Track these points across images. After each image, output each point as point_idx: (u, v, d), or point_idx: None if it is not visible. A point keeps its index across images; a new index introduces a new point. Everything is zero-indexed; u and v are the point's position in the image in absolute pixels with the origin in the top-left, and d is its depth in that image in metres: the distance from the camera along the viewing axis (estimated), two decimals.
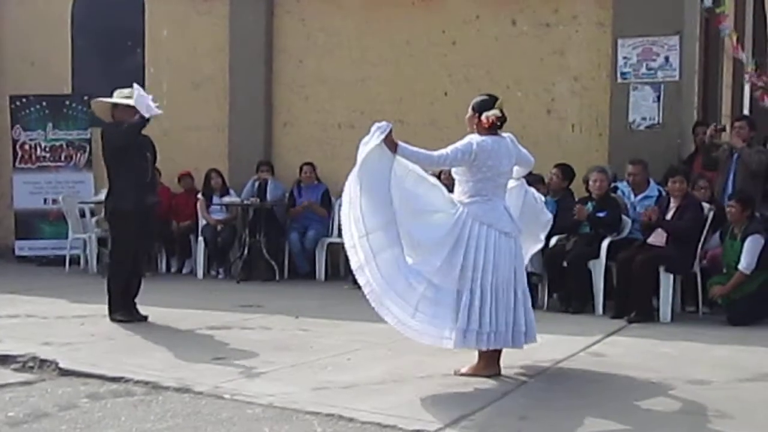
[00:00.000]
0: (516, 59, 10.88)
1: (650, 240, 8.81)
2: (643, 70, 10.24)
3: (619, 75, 10.33)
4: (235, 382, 5.77)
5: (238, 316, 8.47)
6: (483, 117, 5.94)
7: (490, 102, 6.02)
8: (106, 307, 8.24)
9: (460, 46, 11.16)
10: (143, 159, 8.14)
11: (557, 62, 10.71)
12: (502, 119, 5.97)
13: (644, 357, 6.79)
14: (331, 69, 11.84)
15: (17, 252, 13.34)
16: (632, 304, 8.48)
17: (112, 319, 8.07)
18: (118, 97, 8.18)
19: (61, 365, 6.25)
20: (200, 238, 11.74)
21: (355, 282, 10.57)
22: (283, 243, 11.55)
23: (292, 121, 12.15)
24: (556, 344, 7.06)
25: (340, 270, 11.52)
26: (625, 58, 10.30)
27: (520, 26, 10.88)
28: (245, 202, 11.42)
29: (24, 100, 13.38)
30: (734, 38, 12.39)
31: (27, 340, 7.11)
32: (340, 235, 11.39)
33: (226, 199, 11.77)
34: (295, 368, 6.24)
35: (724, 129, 9.95)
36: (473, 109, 6.07)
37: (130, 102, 7.94)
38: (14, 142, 13.40)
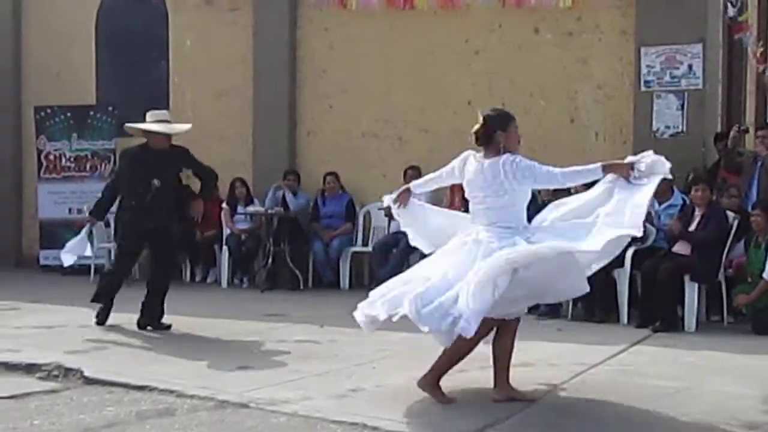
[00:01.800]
0: (539, 68, 10.86)
1: (675, 249, 8.76)
2: (667, 78, 10.20)
3: (642, 83, 10.30)
4: (259, 390, 5.77)
5: (263, 325, 8.49)
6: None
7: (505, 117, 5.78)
8: (131, 316, 8.30)
9: (483, 54, 11.16)
10: (144, 185, 8.15)
11: (580, 70, 10.69)
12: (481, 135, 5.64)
13: (669, 366, 6.76)
14: (354, 78, 11.86)
15: (42, 261, 13.42)
16: (657, 314, 8.43)
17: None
18: (152, 119, 8.33)
19: (86, 374, 6.28)
20: (225, 248, 11.78)
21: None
22: (307, 252, 11.57)
23: (315, 131, 12.18)
24: (580, 353, 7.04)
25: (364, 279, 11.54)
26: (648, 66, 10.27)
27: (543, 34, 10.87)
28: (269, 211, 11.45)
29: (49, 110, 13.48)
30: (758, 51, 12.34)
31: (52, 348, 7.15)
32: (364, 244, 11.54)
33: (251, 209, 11.79)
34: (319, 377, 6.24)
35: (747, 130, 9.90)
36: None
37: (162, 129, 8.17)
38: (39, 152, 13.49)
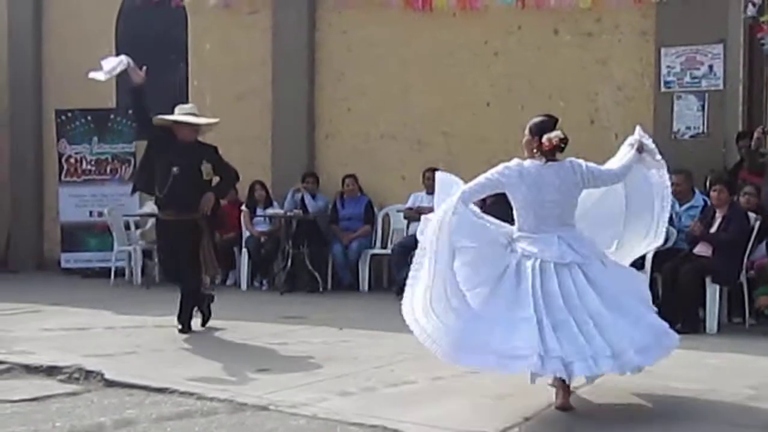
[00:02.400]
0: (558, 69, 10.83)
1: (696, 250, 8.71)
2: (687, 78, 10.15)
3: (662, 84, 10.25)
4: (279, 393, 5.78)
5: (282, 328, 8.50)
6: (544, 139, 5.51)
7: (550, 123, 5.65)
8: (151, 318, 8.33)
9: (502, 56, 11.14)
10: (165, 171, 8.14)
11: (600, 72, 10.65)
12: (565, 141, 5.52)
13: (691, 369, 6.70)
14: (372, 81, 11.86)
15: (63, 264, 13.50)
16: (678, 315, 8.38)
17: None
18: (179, 113, 8.31)
19: (106, 376, 6.31)
20: (244, 250, 11.80)
21: (399, 294, 10.63)
22: (326, 254, 11.58)
23: (334, 133, 12.19)
24: None
25: (383, 281, 11.54)
26: (668, 66, 10.22)
27: (562, 36, 10.84)
28: (289, 213, 11.46)
29: (69, 114, 13.55)
30: None
31: (73, 351, 7.19)
32: (383, 246, 11.54)
33: (270, 211, 11.82)
34: (339, 379, 6.24)
35: None
36: (531, 131, 5.66)
37: (191, 120, 8.19)
38: (60, 155, 13.57)
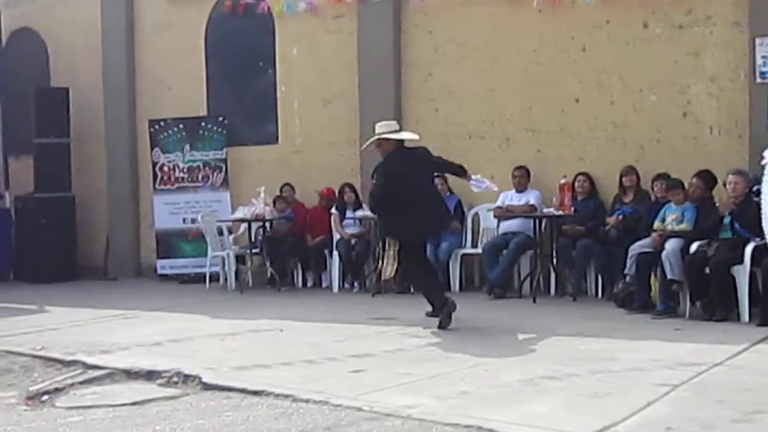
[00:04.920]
0: (649, 63, 10.64)
1: None
2: None
3: (758, 75, 9.98)
4: (373, 394, 5.79)
5: (374, 329, 8.53)
6: None
7: None
8: (245, 322, 8.43)
9: (590, 51, 10.99)
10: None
11: (692, 64, 10.43)
12: None
13: None
14: (459, 80, 11.82)
15: (159, 271, 13.75)
16: None
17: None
18: (381, 129, 8.85)
19: (204, 380, 6.40)
20: (335, 252, 11.87)
21: (490, 293, 10.59)
22: None
23: (422, 133, 12.08)
24: (699, 353, 6.87)
25: (474, 280, 11.49)
26: (763, 57, 9.94)
27: (652, 29, 10.64)
28: None
29: (162, 123, 13.80)
30: None
31: (171, 356, 7.32)
32: (473, 245, 11.48)
33: (360, 213, 11.86)
34: (432, 379, 6.23)
35: None
36: None
37: (393, 136, 8.79)
38: (154, 164, 13.83)
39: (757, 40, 9.95)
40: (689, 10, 10.39)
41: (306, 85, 12.92)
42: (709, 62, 10.35)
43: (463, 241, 11.53)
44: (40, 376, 6.93)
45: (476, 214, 11.61)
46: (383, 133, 8.80)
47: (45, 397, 6.33)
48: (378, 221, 9.83)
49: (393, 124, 9.13)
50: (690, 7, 10.39)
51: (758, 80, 9.97)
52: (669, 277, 8.81)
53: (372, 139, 8.94)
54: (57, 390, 6.51)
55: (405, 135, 9.12)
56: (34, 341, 8.16)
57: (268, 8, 12.97)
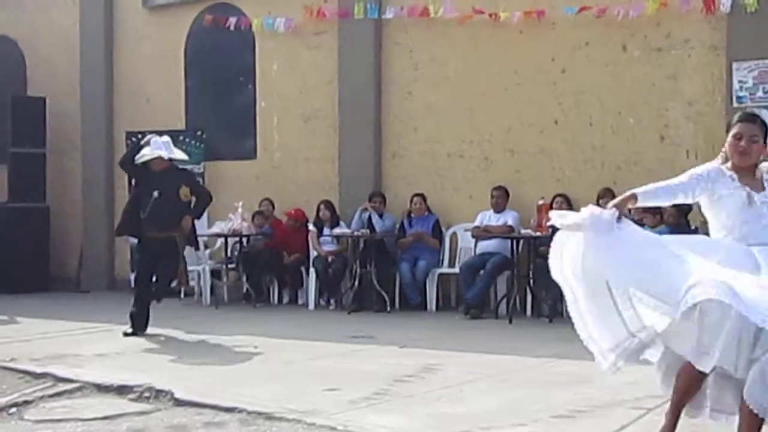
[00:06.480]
0: (627, 85, 10.69)
1: None
2: (760, 93, 9.95)
3: (735, 99, 10.06)
4: (347, 413, 5.75)
5: (350, 347, 8.48)
6: None
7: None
8: (220, 338, 8.36)
9: (569, 73, 11.03)
10: (148, 197, 9.39)
11: (670, 87, 10.49)
12: None
13: None
14: (439, 99, 11.83)
15: (133, 284, 13.61)
16: None
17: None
18: (154, 143, 9.47)
19: (176, 395, 6.33)
20: (311, 270, 11.83)
21: (467, 313, 10.58)
22: (393, 274, 11.54)
23: (401, 152, 12.18)
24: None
25: (451, 300, 11.47)
26: (740, 81, 10.03)
27: (630, 51, 10.70)
28: (356, 233, 11.46)
29: (140, 135, 13.67)
30: None
31: (143, 370, 7.24)
32: (450, 265, 11.48)
33: (337, 231, 11.83)
34: (407, 399, 6.20)
35: None
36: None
37: (158, 154, 9.35)
38: (130, 177, 13.70)
39: (734, 65, 10.02)
40: (668, 34, 10.46)
41: (286, 101, 12.90)
42: (686, 86, 10.41)
43: (441, 261, 11.52)
44: (9, 388, 6.83)
45: (454, 233, 11.61)
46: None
47: (13, 410, 6.24)
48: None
49: (167, 139, 9.76)
50: (668, 30, 10.45)
51: (735, 104, 10.03)
52: None
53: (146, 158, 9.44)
54: (26, 402, 6.42)
55: (177, 154, 9.78)
56: (3, 352, 8.06)
57: (249, 24, 12.96)
